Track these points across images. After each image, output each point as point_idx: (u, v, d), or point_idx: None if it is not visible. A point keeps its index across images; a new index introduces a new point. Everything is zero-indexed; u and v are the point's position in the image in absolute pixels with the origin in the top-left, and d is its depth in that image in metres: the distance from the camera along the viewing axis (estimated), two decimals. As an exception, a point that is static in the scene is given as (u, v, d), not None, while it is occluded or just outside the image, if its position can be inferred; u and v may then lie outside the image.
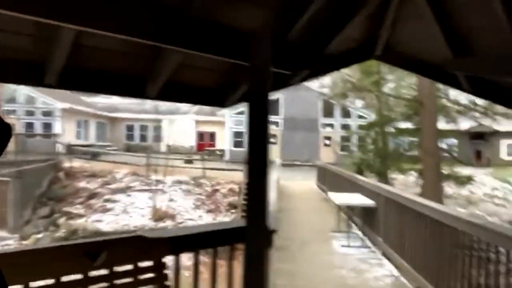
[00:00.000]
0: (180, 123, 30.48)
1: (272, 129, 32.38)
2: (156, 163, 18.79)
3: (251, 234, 2.36)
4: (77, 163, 20.32)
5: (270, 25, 2.39)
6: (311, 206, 11.38)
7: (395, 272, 5.20)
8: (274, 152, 30.38)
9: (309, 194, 14.12)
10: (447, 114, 16.09)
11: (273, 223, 6.15)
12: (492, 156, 29.94)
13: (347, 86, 18.15)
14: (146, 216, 15.34)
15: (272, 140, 32.52)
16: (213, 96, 2.86)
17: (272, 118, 32.35)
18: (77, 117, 28.41)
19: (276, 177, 9.43)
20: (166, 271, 1.89)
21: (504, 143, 29.91)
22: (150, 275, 1.92)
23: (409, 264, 4.90)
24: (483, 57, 2.62)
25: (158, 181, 17.25)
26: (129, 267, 1.94)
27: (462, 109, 16.12)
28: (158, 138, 29.81)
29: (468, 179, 16.66)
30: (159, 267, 1.89)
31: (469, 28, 2.58)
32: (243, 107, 2.50)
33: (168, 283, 1.88)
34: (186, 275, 2.40)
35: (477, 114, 16.87)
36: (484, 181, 22.37)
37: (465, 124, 22.67)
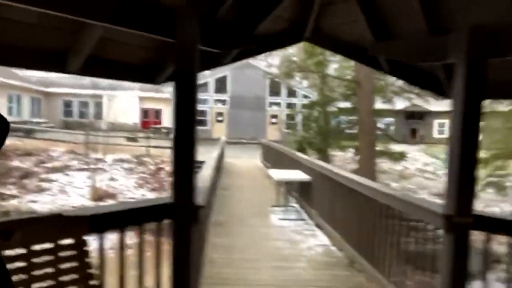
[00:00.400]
0: (123, 99, 29.25)
1: (219, 107, 32.30)
2: (96, 141, 18.04)
3: (178, 210, 2.41)
4: (8, 141, 18.81)
5: (197, 1, 2.38)
6: (255, 183, 11.63)
7: (327, 242, 5.52)
8: (221, 130, 30.35)
9: (254, 171, 14.39)
10: (384, 94, 16.99)
11: (213, 200, 6.21)
12: (426, 134, 32.16)
13: (292, 66, 18.45)
14: (85, 196, 14.80)
15: (219, 118, 32.41)
16: (142, 72, 2.81)
17: (219, 96, 32.23)
18: (8, 92, 26.28)
19: (217, 154, 9.47)
20: (86, 249, 1.89)
21: (436, 122, 32.19)
22: (71, 253, 1.91)
23: (339, 234, 5.23)
24: (400, 42, 2.81)
25: (98, 160, 16.63)
26: (48, 245, 1.91)
27: (397, 90, 17.09)
28: (98, 115, 28.48)
29: (401, 156, 17.85)
30: (79, 245, 1.88)
31: (388, 13, 2.74)
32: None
33: (89, 260, 1.89)
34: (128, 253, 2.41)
35: (411, 95, 17.96)
36: (417, 157, 24.03)
37: (401, 104, 24.02)
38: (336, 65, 20.51)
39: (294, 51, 18.40)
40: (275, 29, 2.98)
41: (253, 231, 6.12)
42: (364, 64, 3.48)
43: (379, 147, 15.68)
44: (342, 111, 18.27)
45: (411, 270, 3.34)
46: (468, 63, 2.32)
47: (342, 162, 18.26)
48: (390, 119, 27.60)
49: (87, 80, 27.81)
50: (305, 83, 30.38)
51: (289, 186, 7.91)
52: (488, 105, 13.86)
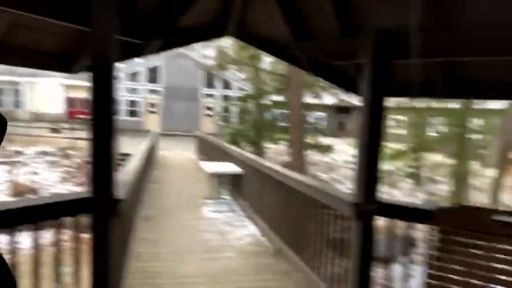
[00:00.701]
0: (45, 87, 27.18)
1: (152, 98, 31.37)
2: (15, 132, 16.68)
3: (97, 204, 2.36)
4: None
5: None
6: (188, 176, 11.55)
7: (256, 232, 5.70)
8: (154, 121, 29.53)
9: (187, 164, 14.27)
10: (313, 90, 17.71)
11: (141, 193, 6.08)
12: (354, 128, 34.01)
13: (226, 58, 18.48)
14: (4, 191, 13.66)
15: (152, 109, 31.48)
16: (58, 61, 2.68)
17: (153, 86, 31.26)
18: None
19: (147, 146, 9.25)
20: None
21: (362, 117, 34.21)
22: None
23: (267, 225, 5.42)
24: (317, 42, 2.98)
25: (18, 152, 15.41)
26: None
27: (325, 86, 17.91)
28: (18, 103, 26.20)
29: (328, 148, 18.77)
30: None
31: (306, 14, 2.89)
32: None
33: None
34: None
35: (337, 91, 18.91)
36: (344, 150, 25.38)
37: (332, 99, 25.16)
38: (270, 59, 20.89)
39: (228, 43, 18.42)
40: (198, 22, 3.00)
41: (183, 224, 6.12)
42: (285, 61, 3.63)
43: (309, 140, 16.35)
44: (275, 104, 18.73)
45: (333, 258, 3.55)
46: (373, 63, 2.54)
47: (276, 154, 18.76)
48: (322, 114, 28.79)
49: (2, 66, 25.49)
50: (240, 75, 30.55)
51: (222, 179, 7.99)
52: (407, 102, 15.07)
